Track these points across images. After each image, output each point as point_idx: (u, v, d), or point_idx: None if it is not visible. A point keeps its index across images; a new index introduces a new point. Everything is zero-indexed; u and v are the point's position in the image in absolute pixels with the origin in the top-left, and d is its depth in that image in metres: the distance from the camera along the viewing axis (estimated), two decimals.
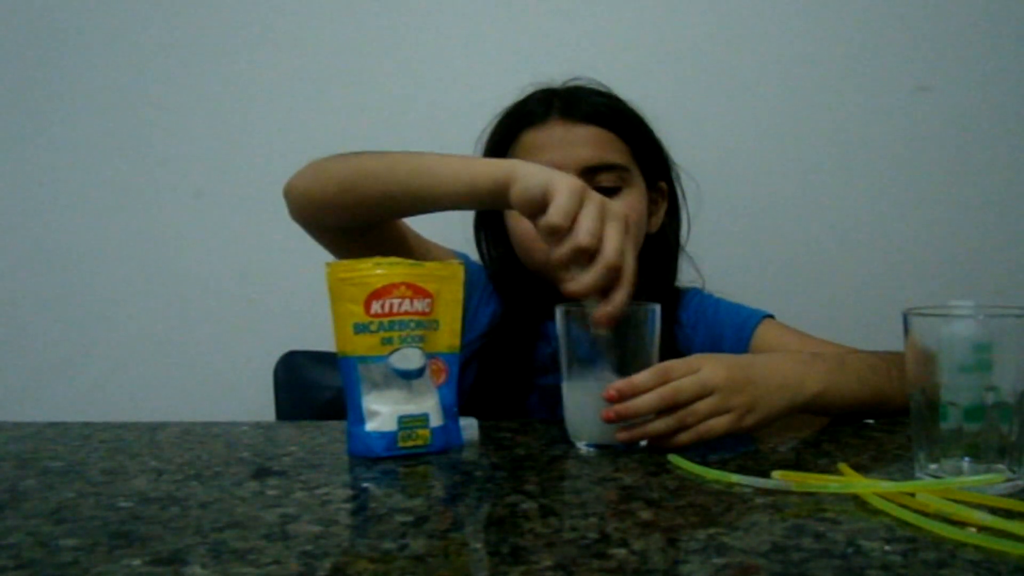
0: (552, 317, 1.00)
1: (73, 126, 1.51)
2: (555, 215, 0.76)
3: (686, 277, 1.20)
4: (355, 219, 0.98)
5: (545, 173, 0.81)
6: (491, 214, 1.14)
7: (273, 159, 1.49)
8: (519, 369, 1.07)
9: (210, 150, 1.49)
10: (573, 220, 0.77)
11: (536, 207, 0.79)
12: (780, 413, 0.82)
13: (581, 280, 0.77)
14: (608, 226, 0.78)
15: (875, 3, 1.43)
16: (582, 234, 0.76)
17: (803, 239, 1.46)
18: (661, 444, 0.77)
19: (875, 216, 1.45)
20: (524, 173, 0.82)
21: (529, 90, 1.14)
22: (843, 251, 1.46)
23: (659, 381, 0.77)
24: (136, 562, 0.53)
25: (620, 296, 0.77)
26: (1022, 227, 1.44)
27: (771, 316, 1.11)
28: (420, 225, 1.07)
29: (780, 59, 1.44)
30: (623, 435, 0.77)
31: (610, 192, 1.04)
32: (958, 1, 1.43)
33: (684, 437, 0.77)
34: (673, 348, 1.03)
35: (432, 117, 1.44)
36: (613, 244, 0.77)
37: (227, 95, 1.49)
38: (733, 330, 1.10)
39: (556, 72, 1.15)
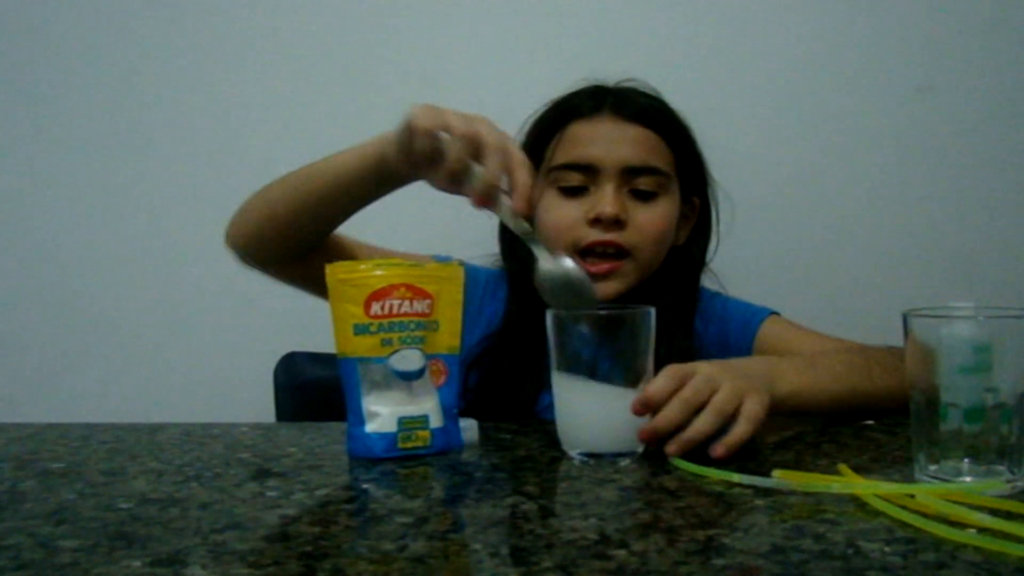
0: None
1: (73, 127, 1.51)
2: (421, 123, 0.82)
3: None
4: (290, 242, 1.00)
5: (403, 118, 0.84)
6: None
7: (273, 160, 1.49)
8: (529, 369, 1.05)
9: (210, 151, 1.49)
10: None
11: (406, 147, 0.84)
12: (758, 420, 0.79)
13: (483, 174, 0.81)
14: (477, 123, 0.82)
15: (876, 3, 1.43)
16: (455, 126, 0.81)
17: (803, 239, 1.46)
18: (723, 449, 0.74)
19: (875, 216, 1.45)
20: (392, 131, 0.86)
21: (581, 84, 1.13)
22: (843, 251, 1.46)
23: (676, 385, 0.76)
24: (136, 563, 0.53)
25: (521, 176, 0.80)
26: (1022, 227, 1.44)
27: (776, 313, 1.11)
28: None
29: (780, 60, 1.44)
30: (672, 448, 0.74)
31: (646, 196, 1.05)
32: (959, 1, 1.43)
33: (740, 430, 0.75)
34: (692, 356, 1.02)
35: None
36: (486, 129, 0.81)
37: (227, 96, 1.49)
38: (739, 325, 1.11)
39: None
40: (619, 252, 1.04)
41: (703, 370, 0.77)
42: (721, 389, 0.76)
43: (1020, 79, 1.43)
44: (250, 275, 1.06)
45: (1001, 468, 0.64)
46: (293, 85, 1.48)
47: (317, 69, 1.48)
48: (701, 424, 0.74)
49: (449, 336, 0.82)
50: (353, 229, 1.03)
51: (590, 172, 1.05)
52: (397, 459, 0.77)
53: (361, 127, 1.44)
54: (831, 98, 1.44)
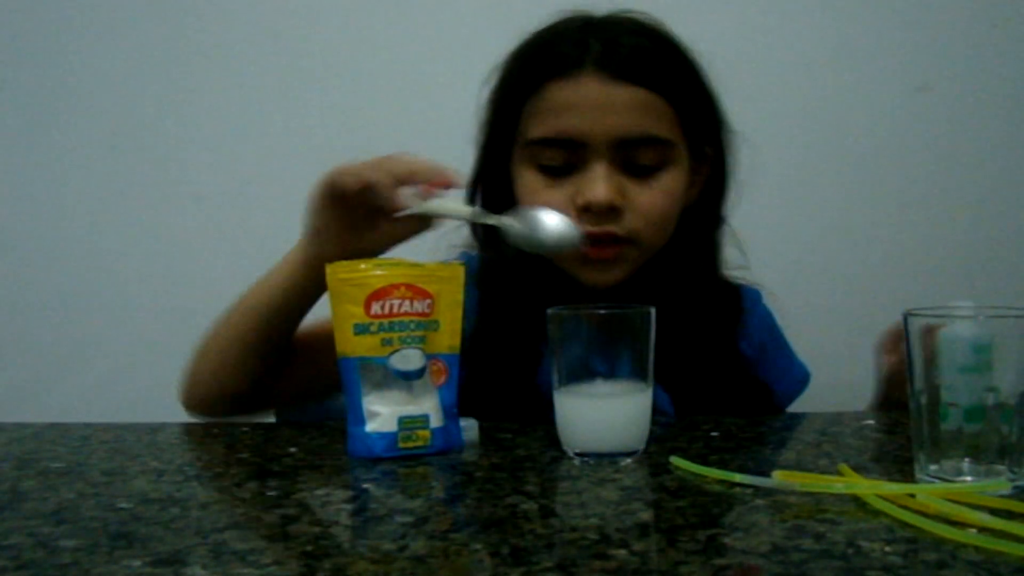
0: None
1: (74, 128, 1.51)
2: (337, 171, 0.82)
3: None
4: (254, 376, 0.93)
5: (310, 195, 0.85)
6: (494, 174, 0.96)
7: (274, 161, 1.49)
8: (513, 369, 0.95)
9: (211, 152, 1.49)
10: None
11: (335, 201, 0.83)
12: None
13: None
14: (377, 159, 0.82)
15: (876, 3, 1.43)
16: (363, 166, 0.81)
17: (803, 239, 1.46)
18: None
19: (875, 216, 1.45)
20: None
21: (557, 16, 0.93)
22: (843, 251, 1.46)
23: None
24: (136, 563, 0.53)
25: (420, 164, 0.81)
26: (1022, 227, 1.44)
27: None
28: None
29: (779, 59, 1.44)
30: None
31: (646, 171, 0.89)
32: (958, 1, 1.43)
33: None
34: (734, 352, 0.98)
35: (433, 119, 1.43)
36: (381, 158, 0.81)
37: (228, 97, 1.49)
38: (784, 385, 1.05)
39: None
40: (618, 239, 0.90)
41: None
42: None
43: (1020, 79, 1.43)
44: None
45: (1001, 468, 0.64)
46: (294, 85, 1.48)
47: (317, 70, 1.48)
48: None
49: (449, 336, 0.82)
50: None
51: (575, 148, 0.88)
52: (397, 459, 0.77)
53: (361, 127, 1.45)
54: (831, 98, 1.44)
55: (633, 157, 0.88)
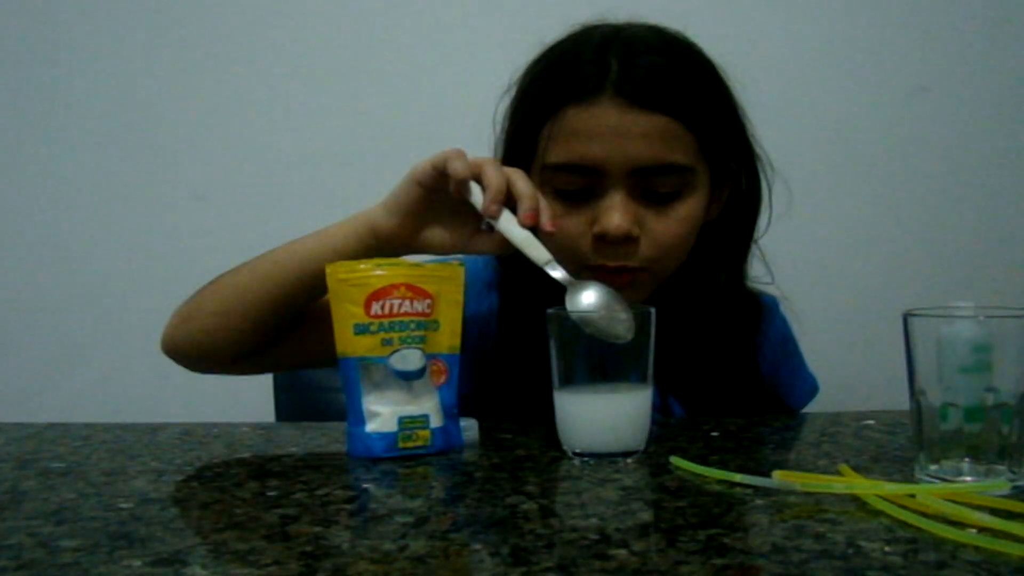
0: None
1: (74, 127, 1.51)
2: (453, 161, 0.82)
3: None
4: (251, 339, 0.90)
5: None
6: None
7: (274, 161, 1.49)
8: (527, 374, 0.89)
9: (211, 151, 1.49)
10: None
11: (433, 184, 0.83)
12: None
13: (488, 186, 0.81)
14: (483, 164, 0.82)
15: (876, 3, 1.43)
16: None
17: (803, 239, 1.45)
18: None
19: (875, 216, 1.45)
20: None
21: (579, 28, 0.91)
22: (843, 251, 1.46)
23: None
24: (136, 563, 0.53)
25: (523, 185, 0.81)
26: (1022, 227, 1.44)
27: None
28: None
29: (780, 59, 1.44)
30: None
31: (664, 198, 0.88)
32: (958, 1, 1.43)
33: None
34: (752, 362, 0.98)
35: (436, 120, 1.43)
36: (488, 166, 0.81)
37: (228, 97, 1.49)
38: (795, 398, 1.05)
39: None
40: (633, 269, 0.89)
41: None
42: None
43: (1020, 79, 1.43)
44: None
45: (1001, 468, 0.64)
46: (294, 85, 1.48)
47: (319, 69, 1.48)
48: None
49: (449, 336, 0.82)
50: None
51: (593, 174, 0.87)
52: (397, 459, 0.77)
53: (361, 127, 1.45)
54: (831, 98, 1.44)
55: (651, 184, 0.87)
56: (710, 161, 0.91)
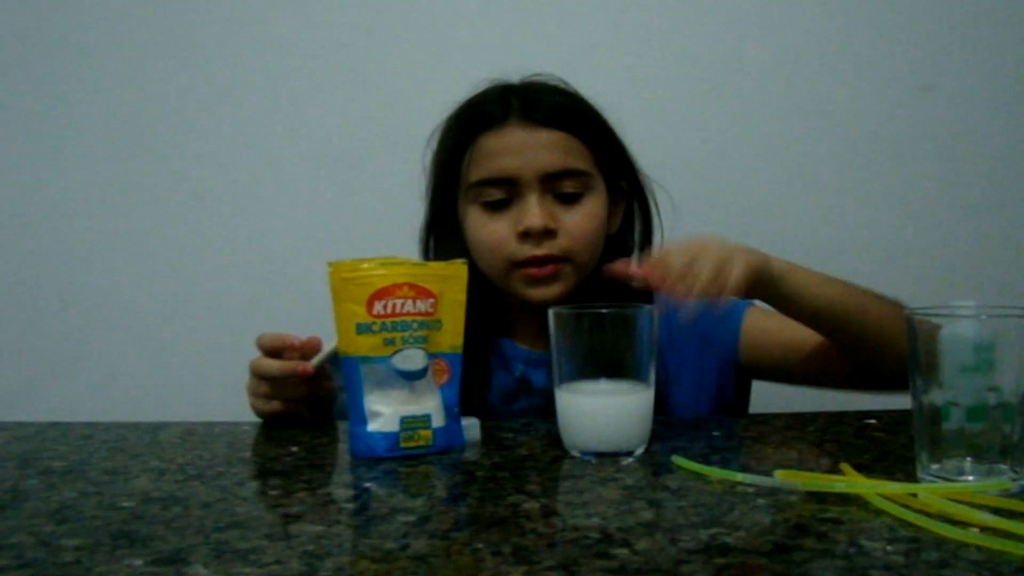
0: (509, 335, 1.08)
1: (74, 127, 1.51)
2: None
3: None
4: None
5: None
6: (444, 219, 1.10)
7: (274, 161, 1.49)
8: (472, 403, 0.98)
9: (211, 151, 1.49)
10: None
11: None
12: (755, 271, 0.87)
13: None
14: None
15: (877, 3, 1.43)
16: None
17: (803, 239, 1.45)
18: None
19: (876, 216, 1.45)
20: None
21: (484, 86, 1.09)
22: (843, 251, 1.45)
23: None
24: (138, 562, 0.53)
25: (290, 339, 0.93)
26: (1023, 227, 1.44)
27: (753, 303, 1.09)
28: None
29: (781, 58, 1.44)
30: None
31: (571, 198, 1.03)
32: (960, 1, 1.43)
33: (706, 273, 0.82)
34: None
35: (435, 118, 1.43)
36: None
37: (228, 97, 1.49)
38: (719, 323, 1.07)
39: (513, 69, 1.10)
40: (556, 259, 1.03)
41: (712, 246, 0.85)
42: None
43: (1020, 79, 1.43)
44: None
45: (1003, 467, 0.64)
46: (294, 85, 1.48)
47: (319, 68, 1.48)
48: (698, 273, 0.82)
49: (452, 335, 0.82)
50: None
51: (510, 184, 1.02)
52: (399, 458, 0.77)
53: (361, 128, 1.45)
54: (832, 97, 1.44)
55: (559, 187, 1.03)
56: (604, 174, 1.07)
